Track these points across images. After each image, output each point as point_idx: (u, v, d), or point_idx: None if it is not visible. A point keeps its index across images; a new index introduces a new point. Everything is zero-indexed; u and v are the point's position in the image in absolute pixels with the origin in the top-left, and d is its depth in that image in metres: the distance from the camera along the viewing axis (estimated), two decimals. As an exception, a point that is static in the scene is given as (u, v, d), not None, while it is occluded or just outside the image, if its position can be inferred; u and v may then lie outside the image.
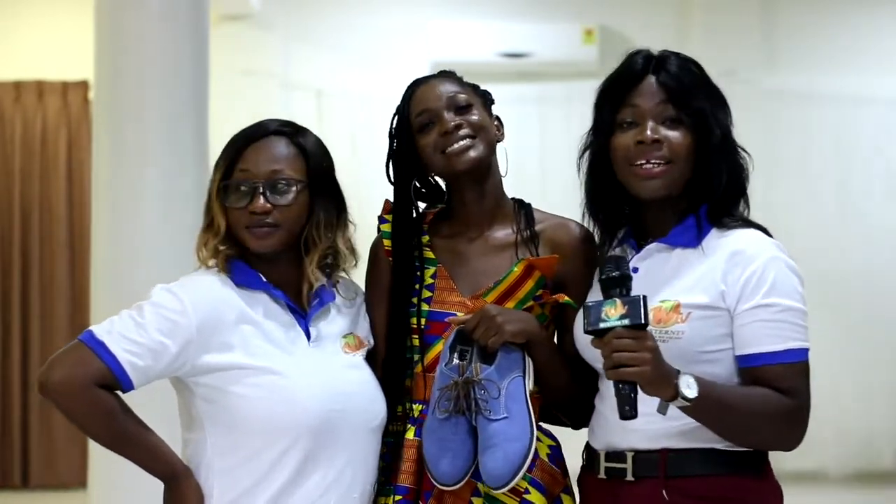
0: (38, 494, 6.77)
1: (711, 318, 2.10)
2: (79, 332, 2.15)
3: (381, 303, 2.37)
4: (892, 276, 7.17)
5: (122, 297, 4.35)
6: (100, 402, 2.08)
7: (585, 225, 2.37)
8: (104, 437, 2.12)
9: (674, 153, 2.16)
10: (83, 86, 6.90)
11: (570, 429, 2.38)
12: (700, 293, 2.10)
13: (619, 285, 2.02)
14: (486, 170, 2.36)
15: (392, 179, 2.41)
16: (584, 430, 2.32)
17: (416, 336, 2.31)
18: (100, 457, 4.27)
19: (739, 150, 2.22)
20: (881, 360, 6.98)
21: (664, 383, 1.98)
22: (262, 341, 2.16)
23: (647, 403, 2.06)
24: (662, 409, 2.01)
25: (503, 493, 2.18)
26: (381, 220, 2.43)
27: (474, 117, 2.33)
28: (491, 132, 2.36)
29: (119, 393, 2.13)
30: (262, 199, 2.19)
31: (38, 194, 6.89)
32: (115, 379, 2.08)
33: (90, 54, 4.58)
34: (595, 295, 2.19)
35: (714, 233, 2.16)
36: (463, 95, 2.35)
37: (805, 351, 2.09)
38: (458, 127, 2.31)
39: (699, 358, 2.09)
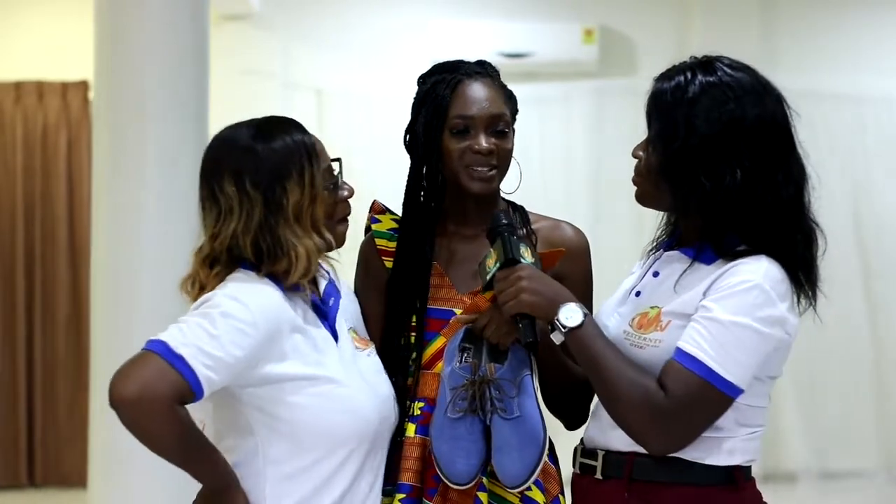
0: (43, 493, 6.78)
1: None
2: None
3: (377, 302, 2.37)
4: (888, 274, 7.20)
5: (122, 296, 4.39)
6: (177, 421, 1.96)
7: (578, 225, 2.40)
8: (172, 454, 2.00)
9: (643, 169, 2.16)
10: (83, 86, 6.91)
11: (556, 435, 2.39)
12: (681, 303, 2.08)
13: (495, 236, 2.16)
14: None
15: (409, 150, 2.39)
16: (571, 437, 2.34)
17: (414, 334, 2.31)
18: (100, 456, 4.27)
19: (735, 172, 2.06)
20: None
21: (547, 308, 2.07)
22: (311, 349, 2.11)
23: None
24: (554, 337, 2.08)
25: (508, 490, 2.19)
26: (373, 220, 2.42)
27: (507, 146, 2.33)
28: (511, 158, 2.36)
29: None
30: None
31: (39, 194, 6.89)
32: (191, 394, 1.96)
33: (90, 54, 4.58)
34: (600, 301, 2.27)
35: (720, 262, 2.08)
36: (505, 118, 2.33)
37: (708, 370, 1.98)
38: (490, 152, 2.30)
39: None
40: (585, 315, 2.06)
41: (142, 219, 4.37)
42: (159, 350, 1.95)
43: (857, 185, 7.20)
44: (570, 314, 2.05)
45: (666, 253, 2.20)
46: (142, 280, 4.31)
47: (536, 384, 2.22)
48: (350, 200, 2.23)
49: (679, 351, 2.02)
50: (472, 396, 2.16)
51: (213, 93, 4.67)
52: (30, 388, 6.81)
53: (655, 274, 2.18)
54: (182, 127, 4.39)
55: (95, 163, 4.55)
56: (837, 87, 7.18)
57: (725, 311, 2.00)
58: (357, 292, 2.41)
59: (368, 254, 2.41)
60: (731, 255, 2.07)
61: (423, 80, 2.40)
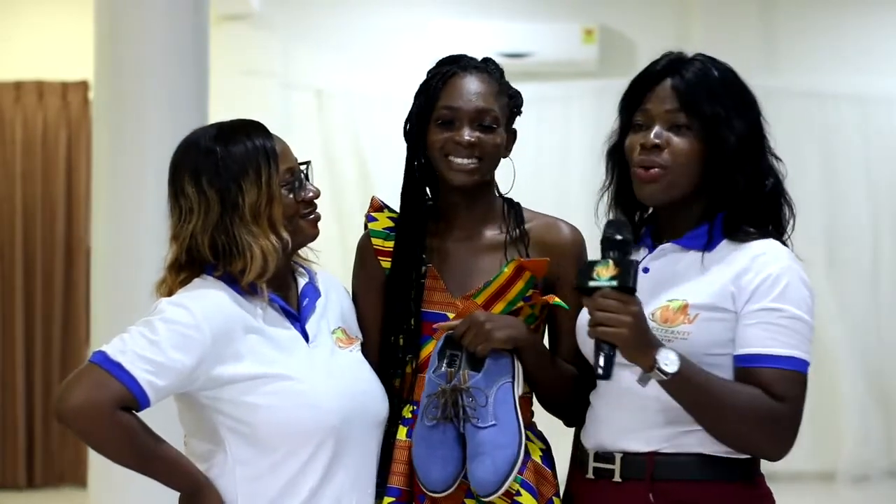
0: (41, 494, 6.77)
1: (718, 321, 2.09)
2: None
3: (373, 302, 2.35)
4: (887, 274, 7.21)
5: (121, 297, 4.39)
6: (122, 426, 2.00)
7: (577, 225, 2.38)
8: (126, 459, 2.05)
9: (673, 159, 2.13)
10: (83, 86, 6.90)
11: (555, 436, 2.38)
12: (709, 295, 2.09)
13: (616, 248, 2.04)
14: (480, 183, 2.33)
15: (407, 140, 2.37)
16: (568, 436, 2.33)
17: (408, 336, 2.29)
18: (99, 456, 4.26)
19: (770, 157, 2.20)
20: None
21: (642, 351, 2.00)
22: (269, 349, 2.13)
23: (640, 409, 2.09)
24: (642, 381, 2.02)
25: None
26: (370, 218, 2.39)
27: (491, 140, 2.28)
28: (500, 154, 2.32)
29: None
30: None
31: (39, 194, 6.89)
32: (134, 400, 2.00)
33: (90, 54, 4.58)
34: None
35: (725, 243, 2.13)
36: (493, 114, 2.29)
37: (805, 363, 2.06)
38: (472, 145, 2.27)
39: (704, 360, 2.07)
40: (680, 357, 2.02)
41: (142, 219, 4.37)
42: (98, 360, 2.01)
43: (856, 185, 7.19)
44: (668, 360, 2.01)
45: (660, 247, 2.19)
46: (142, 280, 4.29)
47: (518, 391, 2.20)
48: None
49: (771, 357, 2.05)
50: (444, 404, 2.15)
51: (213, 93, 4.67)
52: (28, 389, 6.80)
53: (645, 270, 2.17)
54: (182, 127, 4.36)
55: (95, 163, 4.55)
56: (837, 87, 7.18)
57: (795, 306, 2.07)
58: (354, 289, 2.40)
59: (365, 253, 2.39)
60: (738, 237, 2.14)
61: (427, 73, 2.39)
